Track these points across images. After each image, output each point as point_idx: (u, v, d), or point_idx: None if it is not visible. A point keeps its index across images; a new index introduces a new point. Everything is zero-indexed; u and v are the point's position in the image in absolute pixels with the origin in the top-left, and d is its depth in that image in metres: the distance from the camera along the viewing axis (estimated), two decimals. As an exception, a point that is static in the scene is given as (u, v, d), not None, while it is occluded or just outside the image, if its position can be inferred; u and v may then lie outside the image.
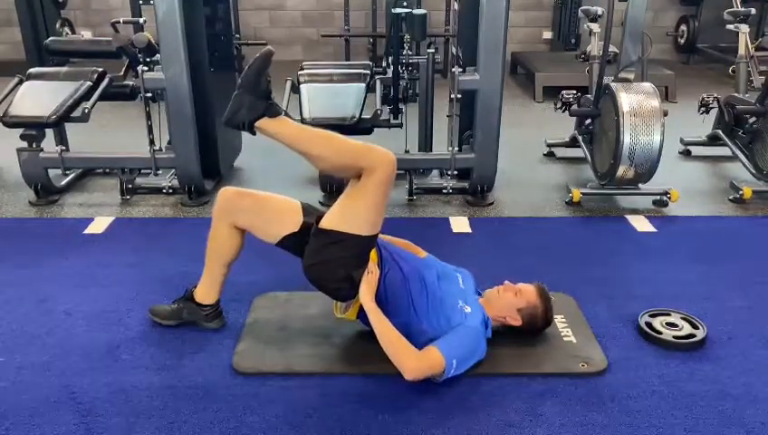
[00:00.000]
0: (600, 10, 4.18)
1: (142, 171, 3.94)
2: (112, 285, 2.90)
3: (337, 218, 2.23)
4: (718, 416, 2.11)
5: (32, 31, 6.40)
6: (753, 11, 4.32)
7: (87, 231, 3.46)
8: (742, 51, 4.36)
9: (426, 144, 4.24)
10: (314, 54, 7.65)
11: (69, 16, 7.36)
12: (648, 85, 3.64)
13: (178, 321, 2.57)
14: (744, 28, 4.33)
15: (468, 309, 2.34)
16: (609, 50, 3.78)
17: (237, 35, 7.05)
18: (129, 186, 3.85)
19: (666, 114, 3.59)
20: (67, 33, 7.09)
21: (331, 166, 2.32)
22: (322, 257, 2.26)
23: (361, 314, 2.33)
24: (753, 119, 3.95)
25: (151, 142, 3.73)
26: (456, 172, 3.86)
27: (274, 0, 7.73)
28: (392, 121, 4.05)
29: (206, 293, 2.53)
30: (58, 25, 6.95)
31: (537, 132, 4.99)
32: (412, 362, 2.15)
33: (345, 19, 7.26)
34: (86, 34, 7.18)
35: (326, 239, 2.23)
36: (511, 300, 2.42)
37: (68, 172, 3.91)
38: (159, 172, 3.83)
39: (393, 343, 2.18)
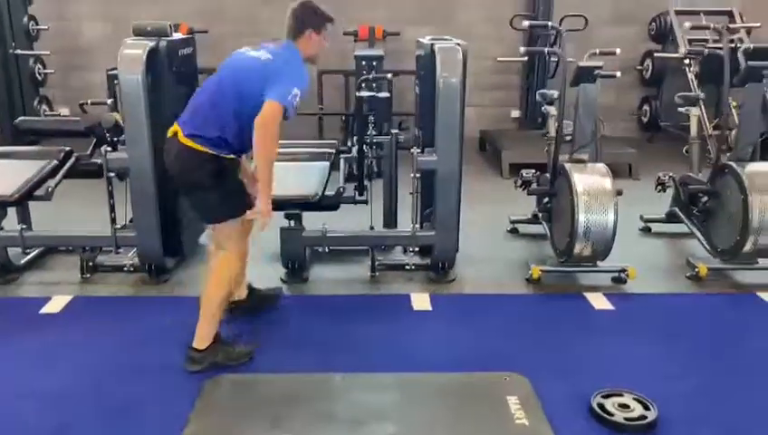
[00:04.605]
0: (556, 93, 4.35)
1: (104, 249, 3.93)
2: (65, 367, 2.86)
3: None
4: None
5: (8, 109, 6.53)
6: (702, 95, 4.51)
7: (43, 311, 3.42)
8: (694, 132, 4.52)
9: (390, 220, 4.31)
10: (289, 131, 7.65)
11: (48, 94, 7.51)
12: (600, 166, 3.76)
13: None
14: (695, 111, 4.50)
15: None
16: (569, 130, 3.93)
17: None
18: (90, 264, 3.83)
19: (620, 194, 3.69)
20: (44, 111, 7.22)
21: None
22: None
23: None
24: (706, 198, 4.07)
25: (113, 221, 3.75)
26: (417, 249, 3.90)
27: (251, 79, 7.95)
28: (357, 198, 4.13)
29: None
30: (35, 103, 7.12)
31: (503, 209, 5.06)
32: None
33: (319, 98, 7.46)
34: (63, 112, 7.29)
35: None
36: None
37: (28, 251, 3.90)
38: (121, 250, 3.83)
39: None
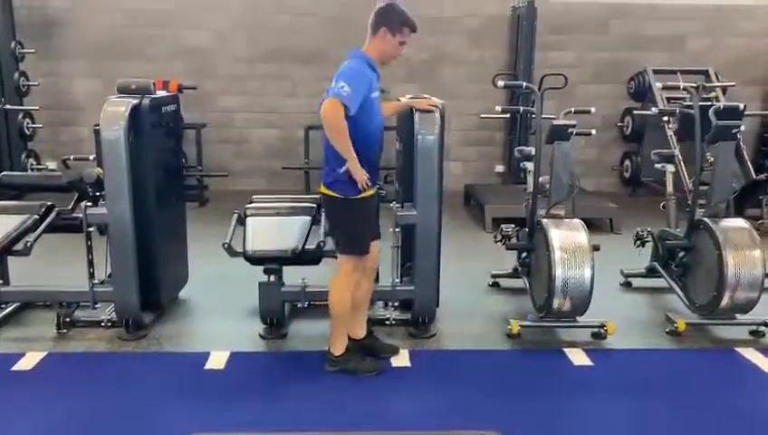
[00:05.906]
0: (533, 150, 4.43)
1: (82, 304, 3.90)
2: (30, 428, 2.79)
3: None
4: None
5: (-5, 162, 6.57)
6: (677, 152, 4.62)
7: (15, 367, 3.37)
8: (670, 188, 4.60)
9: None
10: (277, 185, 7.86)
11: (37, 148, 7.57)
12: (576, 221, 3.81)
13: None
14: (670, 168, 4.60)
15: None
16: (548, 186, 3.99)
17: (200, 168, 7.29)
18: (67, 319, 3.79)
19: (597, 249, 3.72)
20: (32, 165, 7.27)
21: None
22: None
23: None
24: (683, 253, 4.11)
25: (91, 276, 3.73)
26: (397, 304, 3.90)
27: (240, 135, 8.06)
28: (338, 252, 4.12)
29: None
30: (23, 157, 7.17)
31: (485, 263, 5.08)
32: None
33: (305, 152, 7.57)
34: (51, 166, 7.34)
35: None
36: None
37: (4, 306, 3.87)
38: (98, 306, 3.81)
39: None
